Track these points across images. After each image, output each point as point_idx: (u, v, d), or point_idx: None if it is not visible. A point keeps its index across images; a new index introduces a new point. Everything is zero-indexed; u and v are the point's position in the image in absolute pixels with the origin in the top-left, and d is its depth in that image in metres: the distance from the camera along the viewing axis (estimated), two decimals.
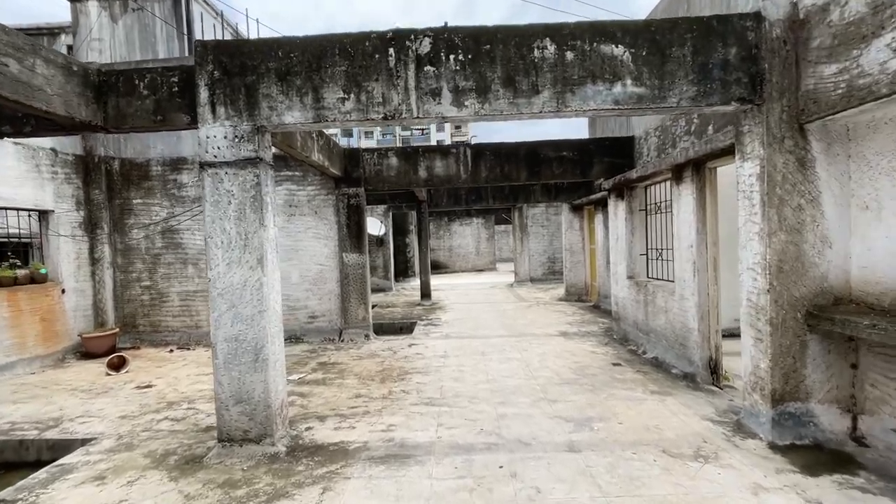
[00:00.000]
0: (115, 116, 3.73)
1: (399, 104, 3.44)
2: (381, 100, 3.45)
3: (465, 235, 23.98)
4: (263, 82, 3.49)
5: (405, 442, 3.69)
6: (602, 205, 10.44)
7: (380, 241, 15.66)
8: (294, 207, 7.73)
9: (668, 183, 5.86)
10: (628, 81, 3.38)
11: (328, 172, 6.98)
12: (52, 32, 11.56)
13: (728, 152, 4.29)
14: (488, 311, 10.56)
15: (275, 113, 3.51)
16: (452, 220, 23.76)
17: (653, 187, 6.70)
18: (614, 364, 5.88)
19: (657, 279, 6.45)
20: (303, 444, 3.72)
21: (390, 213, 16.04)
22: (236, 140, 3.51)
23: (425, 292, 12.18)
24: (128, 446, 3.80)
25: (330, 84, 3.46)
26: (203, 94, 3.52)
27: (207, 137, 3.54)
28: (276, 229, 4.01)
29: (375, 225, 15.21)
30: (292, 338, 7.74)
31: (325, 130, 6.59)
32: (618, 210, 7.50)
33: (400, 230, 18.98)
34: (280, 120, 3.52)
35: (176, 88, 3.71)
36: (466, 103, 3.42)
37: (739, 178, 3.74)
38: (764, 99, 3.42)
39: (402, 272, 19.36)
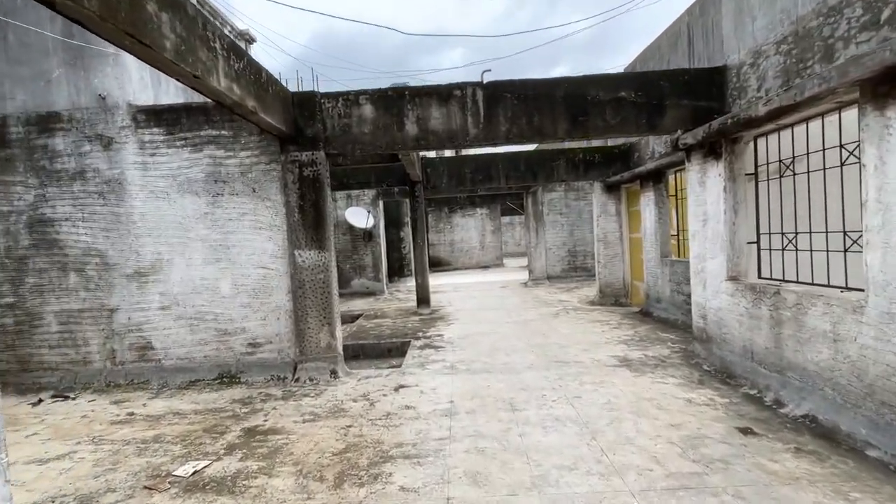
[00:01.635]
0: None
1: None
2: None
3: (469, 228, 21.44)
4: None
5: None
6: (653, 180, 7.91)
7: (368, 235, 13.14)
8: (222, 183, 5.21)
9: (827, 122, 3.32)
10: None
11: (263, 124, 4.45)
12: None
13: None
14: (505, 322, 8.06)
15: None
16: (454, 211, 21.22)
17: (770, 137, 4.18)
18: (743, 431, 3.39)
19: (799, 283, 3.94)
20: None
21: (380, 202, 13.51)
22: None
23: (422, 297, 9.67)
24: None
25: None
26: None
27: None
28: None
29: (362, 215, 12.68)
30: (223, 376, 5.25)
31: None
32: (707, 177, 4.98)
33: (393, 222, 16.47)
34: None
35: None
36: None
37: None
38: None
39: (397, 271, 16.85)
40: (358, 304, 11.46)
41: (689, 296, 6.87)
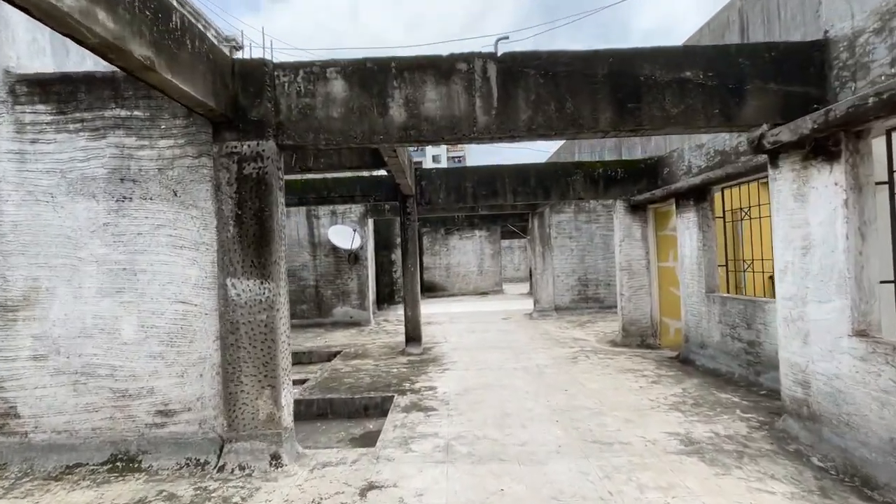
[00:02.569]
0: None
1: None
2: None
3: (466, 251, 20.00)
4: None
5: None
6: (694, 198, 6.53)
7: (354, 258, 11.64)
8: (130, 183, 3.73)
9: None
10: None
11: (173, 91, 2.99)
12: None
13: None
14: (514, 369, 6.50)
15: None
16: (451, 233, 19.81)
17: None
18: None
19: None
20: None
21: (369, 220, 12.07)
22: None
23: (412, 334, 8.11)
24: None
25: None
26: None
27: None
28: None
29: (347, 235, 11.21)
30: (118, 459, 3.63)
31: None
32: (810, 187, 3.57)
33: (384, 243, 15.01)
34: None
35: None
36: None
37: None
38: None
39: (387, 298, 15.30)
40: (338, 338, 9.85)
41: (750, 343, 5.38)
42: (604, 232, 12.31)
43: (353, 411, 5.36)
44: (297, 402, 4.88)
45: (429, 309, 14.37)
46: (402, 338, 8.71)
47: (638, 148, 9.46)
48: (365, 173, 9.07)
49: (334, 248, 11.51)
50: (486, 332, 9.90)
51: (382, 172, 7.71)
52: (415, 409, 4.87)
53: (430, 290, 19.47)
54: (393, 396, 5.31)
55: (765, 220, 5.86)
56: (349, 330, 10.88)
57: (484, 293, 19.75)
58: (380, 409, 5.23)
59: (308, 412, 5.29)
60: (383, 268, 15.06)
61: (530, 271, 19.87)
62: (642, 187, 8.07)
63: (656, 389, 5.36)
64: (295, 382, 4.94)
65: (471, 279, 19.93)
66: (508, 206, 11.06)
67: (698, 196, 6.46)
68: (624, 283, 8.23)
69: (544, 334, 9.38)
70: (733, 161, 5.69)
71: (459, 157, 54.34)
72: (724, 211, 6.45)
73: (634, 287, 8.20)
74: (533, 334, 9.41)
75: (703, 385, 5.49)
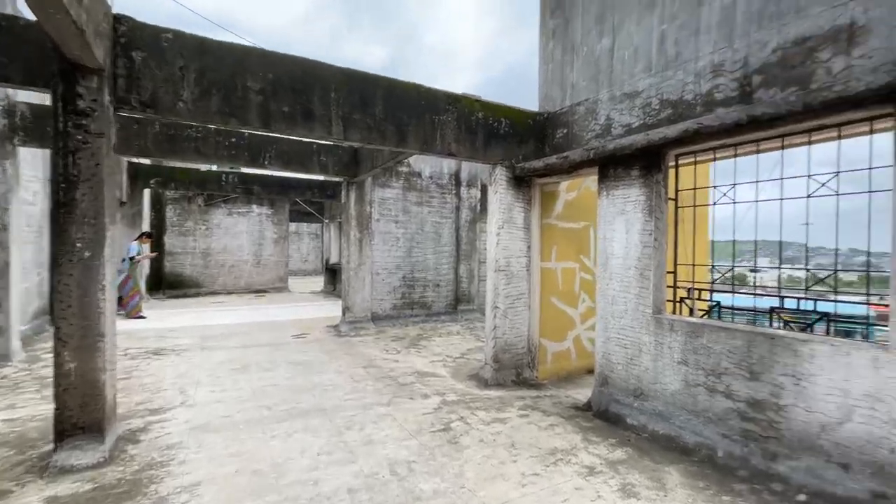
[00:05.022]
0: None
1: None
2: None
3: (238, 232, 14.56)
4: None
5: None
6: (635, 168, 4.22)
7: None
8: None
9: None
10: None
11: None
12: None
13: None
14: (346, 493, 2.84)
15: None
16: (214, 205, 14.03)
17: None
18: None
19: None
20: None
21: (17, 150, 6.08)
22: None
23: (82, 401, 3.35)
24: None
25: None
26: None
27: None
28: None
29: None
30: None
31: None
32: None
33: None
34: None
35: None
36: None
37: None
38: None
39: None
40: None
41: (755, 405, 3.23)
42: (436, 219, 9.63)
43: None
44: None
45: (170, 321, 8.92)
46: (69, 403, 3.73)
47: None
48: None
49: None
50: (269, 369, 5.73)
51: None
52: None
53: (177, 286, 13.33)
54: None
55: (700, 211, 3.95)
56: None
57: (261, 291, 14.74)
58: None
59: None
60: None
61: (326, 264, 15.93)
62: (528, 151, 5.54)
63: None
64: None
65: (243, 272, 14.60)
66: (334, 140, 7.19)
67: (647, 164, 4.16)
68: (500, 289, 5.51)
69: (370, 368, 5.90)
70: (700, 114, 3.50)
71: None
72: (675, 192, 4.34)
73: (512, 297, 5.58)
74: (354, 370, 5.79)
75: (697, 485, 3.06)
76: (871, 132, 3.10)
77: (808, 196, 3.32)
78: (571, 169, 4.88)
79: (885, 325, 2.89)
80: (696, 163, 4.14)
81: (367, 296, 8.63)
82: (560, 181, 5.60)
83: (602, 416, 4.35)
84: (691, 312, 4.50)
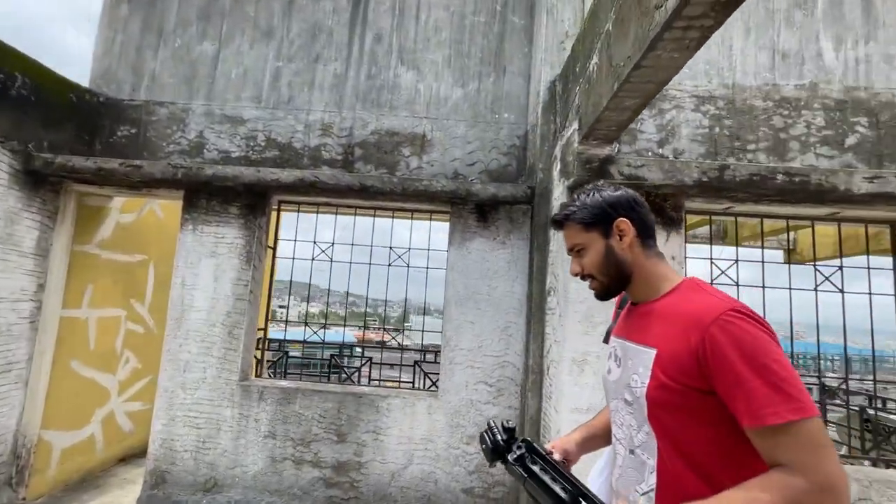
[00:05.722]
0: None
1: None
2: None
3: None
4: None
5: None
6: (239, 203, 3.60)
7: None
8: None
9: None
10: None
11: None
12: None
13: None
14: None
15: None
16: None
17: None
18: None
19: None
20: None
21: None
22: None
23: None
24: None
25: None
26: None
27: None
28: None
29: None
30: None
31: None
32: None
33: None
34: None
35: None
36: None
37: None
38: None
39: None
40: None
41: (332, 468, 3.33)
42: None
43: None
44: None
45: None
46: None
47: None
48: None
49: None
50: None
51: None
52: None
53: None
54: None
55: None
56: None
57: None
58: None
59: None
60: None
61: None
62: (63, 139, 3.74)
63: None
64: None
65: None
66: None
67: (251, 203, 3.63)
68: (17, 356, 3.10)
69: None
70: (306, 165, 3.69)
71: None
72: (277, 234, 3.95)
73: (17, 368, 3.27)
74: None
75: None
76: (431, 219, 3.98)
77: (312, 259, 3.83)
78: (143, 185, 3.57)
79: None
80: (299, 211, 3.98)
81: None
82: (114, 195, 4.01)
83: None
84: (262, 370, 4.15)
